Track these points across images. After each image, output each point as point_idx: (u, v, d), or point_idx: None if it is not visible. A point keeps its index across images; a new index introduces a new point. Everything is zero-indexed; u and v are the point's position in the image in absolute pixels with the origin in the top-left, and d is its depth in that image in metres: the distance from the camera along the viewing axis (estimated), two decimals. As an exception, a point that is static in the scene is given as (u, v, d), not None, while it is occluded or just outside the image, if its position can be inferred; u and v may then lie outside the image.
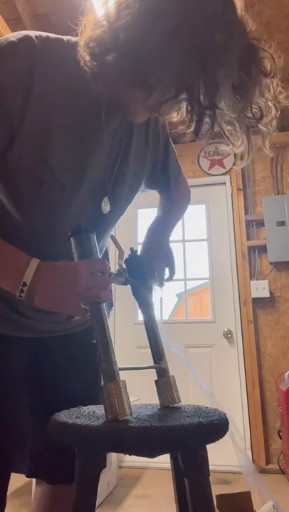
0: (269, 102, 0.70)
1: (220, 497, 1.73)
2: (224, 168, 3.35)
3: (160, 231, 1.04)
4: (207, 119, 0.66)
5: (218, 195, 3.39)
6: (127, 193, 0.91)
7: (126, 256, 0.85)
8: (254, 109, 0.69)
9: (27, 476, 0.90)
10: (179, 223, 3.99)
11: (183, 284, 3.29)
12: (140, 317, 3.18)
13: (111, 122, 0.79)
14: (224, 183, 3.38)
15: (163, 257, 0.99)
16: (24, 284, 0.66)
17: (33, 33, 0.72)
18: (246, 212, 3.24)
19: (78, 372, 0.93)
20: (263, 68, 0.67)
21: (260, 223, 3.18)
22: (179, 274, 3.38)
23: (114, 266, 0.80)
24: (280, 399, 2.62)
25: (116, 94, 0.75)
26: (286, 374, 2.71)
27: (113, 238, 0.84)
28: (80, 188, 0.79)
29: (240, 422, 2.88)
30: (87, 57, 0.70)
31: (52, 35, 0.75)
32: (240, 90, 0.66)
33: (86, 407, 0.80)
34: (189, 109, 0.67)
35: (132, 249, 0.87)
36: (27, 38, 0.70)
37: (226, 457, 2.72)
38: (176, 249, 3.81)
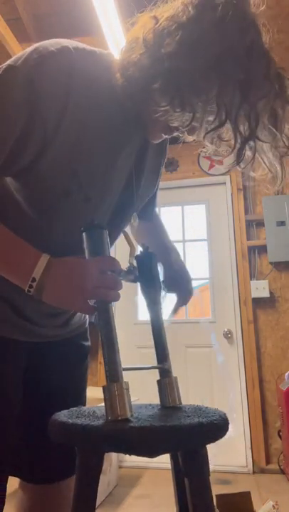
0: None
1: (220, 497, 1.74)
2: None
3: (176, 255, 1.10)
4: (248, 150, 0.68)
5: (218, 195, 3.39)
6: (139, 205, 0.95)
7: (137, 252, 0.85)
8: (284, 138, 0.70)
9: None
10: (179, 223, 3.99)
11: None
12: (140, 317, 3.18)
13: (134, 137, 0.82)
14: (224, 183, 3.38)
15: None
16: (33, 280, 0.66)
17: (71, 44, 0.72)
18: (246, 212, 3.24)
19: (69, 374, 0.94)
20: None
21: (260, 223, 3.18)
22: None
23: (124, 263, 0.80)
24: (280, 399, 2.62)
25: (142, 116, 0.77)
26: (286, 374, 2.71)
27: (125, 234, 0.84)
28: (105, 199, 0.80)
29: (240, 422, 2.88)
30: (121, 79, 0.73)
31: (87, 48, 0.75)
32: (276, 121, 0.67)
33: (86, 407, 0.80)
34: (227, 139, 0.69)
35: (144, 245, 0.86)
36: (66, 49, 0.70)
37: (226, 457, 2.72)
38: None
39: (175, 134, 0.79)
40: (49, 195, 0.75)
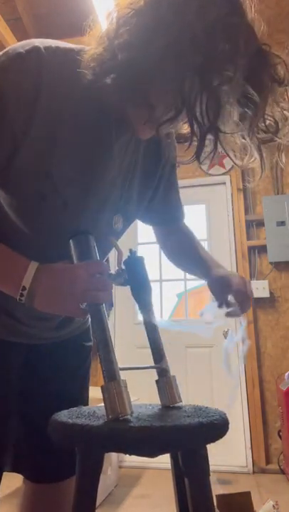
0: (285, 112, 0.64)
1: (220, 497, 1.73)
2: (224, 168, 3.35)
3: (215, 265, 0.97)
4: (208, 142, 0.61)
5: (218, 195, 3.39)
6: (135, 209, 0.90)
7: (125, 257, 0.85)
8: (268, 122, 0.63)
9: (8, 471, 0.91)
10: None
11: (183, 284, 3.29)
12: (140, 317, 3.18)
13: (120, 137, 0.76)
14: (224, 183, 3.38)
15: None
16: (24, 288, 0.66)
17: (42, 44, 0.69)
18: (246, 212, 3.24)
19: (70, 374, 0.94)
20: (276, 76, 0.61)
21: (260, 223, 3.18)
22: (179, 274, 3.39)
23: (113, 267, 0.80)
24: (280, 399, 2.62)
25: (121, 111, 0.72)
26: (286, 374, 2.71)
27: (112, 240, 0.84)
28: (85, 205, 0.77)
29: (240, 422, 2.88)
30: (90, 77, 0.67)
31: (62, 46, 0.72)
32: (250, 104, 0.60)
33: (86, 407, 0.80)
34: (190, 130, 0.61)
35: (131, 250, 0.87)
36: (35, 49, 0.68)
37: (226, 457, 2.72)
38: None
39: (155, 132, 0.70)
40: (26, 200, 0.74)
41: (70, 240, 0.71)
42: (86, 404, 0.97)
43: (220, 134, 0.60)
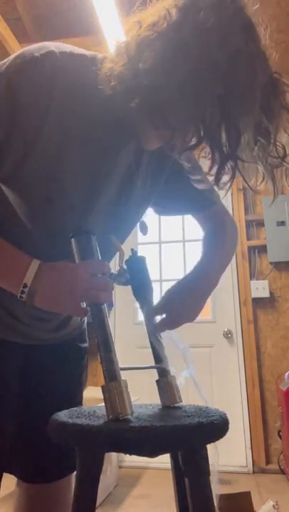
0: None
1: (220, 497, 1.74)
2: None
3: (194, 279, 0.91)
4: (228, 167, 0.62)
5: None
6: (138, 212, 0.90)
7: (126, 257, 0.85)
8: (277, 147, 0.64)
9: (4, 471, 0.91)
10: (179, 223, 3.94)
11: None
12: (140, 317, 3.18)
13: (126, 144, 0.77)
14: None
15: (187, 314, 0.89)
16: (25, 286, 0.66)
17: (57, 49, 0.69)
18: (246, 212, 3.24)
19: (65, 376, 0.94)
20: (285, 103, 0.63)
21: (260, 223, 3.18)
22: (178, 274, 3.39)
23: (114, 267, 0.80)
24: (280, 399, 2.62)
25: (131, 124, 0.72)
26: (286, 374, 2.71)
27: (113, 239, 0.84)
28: (92, 208, 0.78)
29: (240, 422, 2.88)
30: (108, 91, 0.67)
31: (76, 51, 0.72)
32: (264, 132, 0.62)
33: (86, 407, 0.80)
34: (210, 155, 0.62)
35: (132, 250, 0.87)
36: (51, 54, 0.68)
37: (226, 457, 2.72)
38: (176, 249, 3.78)
39: (174, 154, 0.72)
40: (33, 202, 0.74)
41: (72, 239, 0.72)
42: (80, 405, 0.97)
43: (239, 161, 0.62)
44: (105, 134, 0.74)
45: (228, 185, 0.65)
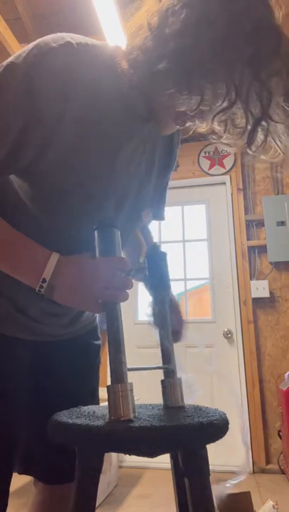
0: None
1: (220, 497, 1.73)
2: (224, 168, 3.35)
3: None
4: (260, 131, 0.64)
5: (218, 195, 3.39)
6: (146, 203, 0.91)
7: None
8: None
9: (18, 473, 0.91)
10: (179, 223, 3.94)
11: (183, 284, 3.29)
12: (140, 317, 3.18)
13: (141, 132, 0.79)
14: (224, 183, 3.38)
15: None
16: (44, 281, 0.66)
17: (73, 40, 0.70)
18: (246, 212, 3.24)
19: (79, 373, 0.94)
20: None
21: (260, 223, 3.18)
22: (179, 274, 3.40)
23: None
24: (280, 399, 2.62)
25: (150, 105, 0.73)
26: (286, 374, 2.71)
27: (137, 232, 0.83)
28: (108, 198, 0.78)
29: (241, 422, 2.87)
30: (126, 66, 0.69)
31: (90, 42, 0.73)
32: None
33: (86, 407, 0.80)
34: (238, 121, 0.65)
35: (154, 244, 0.85)
36: (68, 44, 0.68)
37: (226, 457, 2.72)
38: (176, 249, 3.80)
39: (188, 124, 0.74)
40: (49, 192, 0.74)
41: (95, 232, 0.70)
42: (97, 403, 0.96)
43: (271, 122, 0.63)
44: (120, 123, 0.74)
45: (260, 148, 0.66)
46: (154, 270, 0.83)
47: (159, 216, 1.00)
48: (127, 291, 0.69)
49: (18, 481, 0.94)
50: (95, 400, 0.96)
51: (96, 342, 1.00)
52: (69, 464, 0.87)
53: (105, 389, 0.65)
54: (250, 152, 0.67)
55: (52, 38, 0.69)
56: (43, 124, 0.67)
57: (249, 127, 0.63)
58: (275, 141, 0.66)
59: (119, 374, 0.64)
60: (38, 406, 0.88)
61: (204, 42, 0.61)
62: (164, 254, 0.84)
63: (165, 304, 0.83)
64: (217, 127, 0.70)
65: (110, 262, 0.68)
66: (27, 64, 0.66)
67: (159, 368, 0.79)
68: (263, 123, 0.62)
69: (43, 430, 0.87)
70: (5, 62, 0.68)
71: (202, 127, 0.73)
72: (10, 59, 0.68)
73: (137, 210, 0.88)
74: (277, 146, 0.67)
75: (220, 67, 0.61)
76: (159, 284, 0.83)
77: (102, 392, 0.65)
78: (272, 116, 0.62)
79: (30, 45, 0.69)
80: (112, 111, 0.73)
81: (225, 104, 0.62)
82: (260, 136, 0.64)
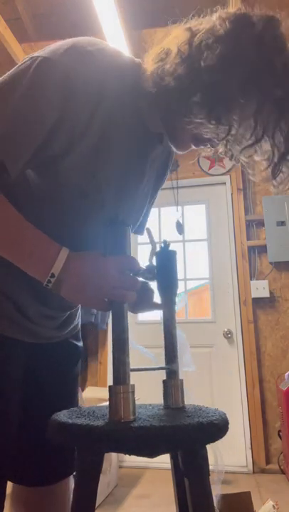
0: None
1: (220, 497, 1.73)
2: (224, 168, 3.35)
3: None
4: (284, 168, 0.68)
5: (218, 195, 3.39)
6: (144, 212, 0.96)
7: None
8: None
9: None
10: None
11: (183, 284, 3.29)
12: (141, 317, 3.18)
13: (153, 151, 0.83)
14: (224, 183, 3.38)
15: None
16: (52, 275, 0.66)
17: (106, 45, 0.74)
18: (246, 212, 3.24)
19: (65, 375, 0.94)
20: None
21: (260, 223, 3.18)
22: (179, 274, 3.38)
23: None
24: (280, 399, 2.62)
25: (169, 127, 0.77)
26: (286, 374, 2.71)
27: (148, 232, 0.84)
28: (119, 207, 0.80)
29: (240, 422, 2.88)
30: (152, 88, 0.72)
31: (119, 51, 0.77)
32: None
33: (86, 406, 0.80)
34: (265, 156, 0.69)
35: (164, 241, 0.85)
36: (103, 51, 0.72)
37: (226, 457, 2.72)
38: (176, 249, 3.81)
39: (203, 145, 0.78)
40: (65, 194, 0.75)
41: (109, 229, 0.71)
42: (77, 403, 0.96)
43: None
44: (138, 135, 0.77)
45: (286, 185, 0.72)
46: (163, 270, 0.82)
47: (139, 231, 1.02)
48: (135, 292, 0.69)
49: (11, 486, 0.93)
50: (75, 402, 0.96)
51: (79, 343, 1.00)
52: (51, 466, 0.87)
53: (106, 389, 0.65)
54: (274, 185, 0.72)
55: (88, 42, 0.72)
56: (74, 123, 0.68)
57: (275, 161, 0.67)
58: None
59: (121, 375, 0.64)
60: (24, 408, 0.87)
61: (237, 79, 0.65)
62: (174, 253, 0.84)
63: (172, 303, 0.83)
64: (243, 159, 0.74)
65: (120, 261, 0.68)
66: (65, 64, 0.67)
67: (161, 368, 0.79)
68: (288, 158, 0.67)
69: (27, 431, 0.87)
70: (38, 55, 0.69)
71: (219, 150, 0.78)
72: (42, 53, 0.69)
73: (135, 222, 0.91)
74: None
75: (250, 104, 0.65)
76: (166, 283, 0.83)
77: (103, 393, 0.65)
78: None
79: (65, 45, 0.70)
80: (132, 123, 0.75)
81: (253, 139, 0.67)
82: (285, 171, 0.69)
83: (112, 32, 2.35)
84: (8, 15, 2.57)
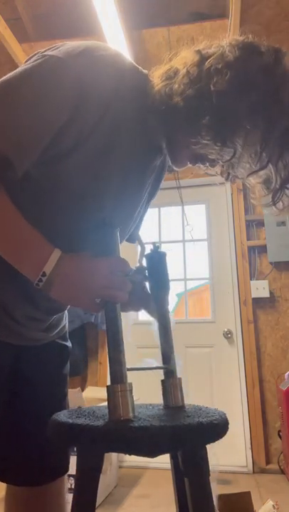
0: None
1: (220, 497, 1.74)
2: (233, 181, 3.35)
3: None
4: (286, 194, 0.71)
5: (218, 195, 3.39)
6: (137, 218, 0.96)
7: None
8: None
9: None
10: (179, 223, 3.95)
11: (183, 284, 3.29)
12: (140, 317, 3.18)
13: (154, 163, 0.85)
14: (224, 183, 3.37)
15: None
16: (44, 274, 0.66)
17: (121, 54, 0.76)
18: (246, 212, 3.23)
19: (54, 376, 0.94)
20: None
21: (260, 223, 3.17)
22: (179, 274, 3.39)
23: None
24: (280, 399, 2.62)
25: (171, 142, 0.78)
26: (286, 374, 2.71)
27: (138, 236, 0.85)
28: (117, 212, 0.80)
29: (240, 422, 2.88)
30: (160, 105, 0.74)
31: (129, 60, 0.78)
32: None
33: (86, 407, 0.80)
34: (267, 181, 0.72)
35: (154, 244, 0.86)
36: (115, 57, 0.73)
37: (226, 457, 2.72)
38: (176, 249, 3.79)
39: (200, 163, 0.81)
40: (64, 195, 0.75)
41: (98, 232, 0.71)
42: (67, 406, 0.95)
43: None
44: (140, 145, 0.78)
45: (286, 209, 0.74)
46: (154, 271, 0.83)
47: (132, 239, 1.02)
48: (126, 292, 0.69)
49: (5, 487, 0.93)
50: (63, 408, 0.95)
51: (67, 343, 1.00)
52: (43, 466, 0.87)
53: (105, 389, 0.65)
54: (277, 210, 0.74)
55: (102, 47, 0.73)
56: (82, 126, 0.69)
57: (277, 187, 0.70)
58: None
59: (118, 374, 0.64)
60: (14, 409, 0.88)
61: (245, 105, 0.66)
62: (164, 255, 0.85)
63: (165, 304, 0.83)
64: (247, 182, 0.78)
65: (110, 262, 0.69)
66: (78, 66, 0.68)
67: (158, 368, 0.79)
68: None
69: (18, 432, 0.87)
70: (51, 54, 0.69)
71: (213, 171, 0.82)
72: (56, 53, 0.70)
73: (128, 230, 0.91)
74: None
75: (256, 130, 0.66)
76: (159, 284, 0.84)
77: (103, 393, 0.65)
78: None
79: (79, 47, 0.71)
80: (137, 129, 0.76)
81: (258, 166, 0.69)
82: (285, 197, 0.71)
83: (112, 32, 2.35)
84: (8, 15, 2.57)
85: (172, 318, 0.84)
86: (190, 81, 0.70)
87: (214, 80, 0.68)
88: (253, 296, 3.04)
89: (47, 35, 2.70)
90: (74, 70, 0.67)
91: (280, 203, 0.72)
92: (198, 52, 0.73)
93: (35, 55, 0.72)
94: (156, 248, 0.85)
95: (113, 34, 2.37)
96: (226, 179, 0.82)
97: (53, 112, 0.67)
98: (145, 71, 0.81)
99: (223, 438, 0.64)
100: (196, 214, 3.43)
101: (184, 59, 0.74)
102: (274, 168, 0.68)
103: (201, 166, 0.81)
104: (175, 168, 0.84)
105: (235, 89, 0.66)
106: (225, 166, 0.79)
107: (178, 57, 0.76)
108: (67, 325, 1.02)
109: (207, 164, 0.80)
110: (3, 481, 0.91)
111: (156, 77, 0.77)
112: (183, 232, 3.40)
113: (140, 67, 0.81)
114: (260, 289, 3.04)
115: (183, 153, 0.79)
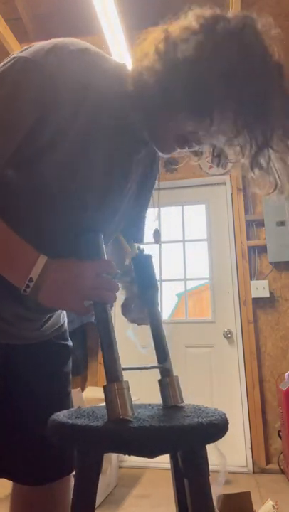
0: None
1: (220, 497, 1.73)
2: (224, 168, 3.35)
3: None
4: (261, 160, 0.69)
5: (218, 195, 3.39)
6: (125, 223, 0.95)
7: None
8: None
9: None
10: (179, 223, 3.95)
11: (183, 284, 3.29)
12: (140, 317, 3.18)
13: (137, 155, 0.83)
14: (224, 183, 3.37)
15: None
16: (31, 280, 0.67)
17: (90, 48, 0.74)
18: (246, 212, 3.23)
19: (52, 374, 0.93)
20: None
21: (260, 223, 3.17)
22: (179, 274, 3.39)
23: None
24: (280, 399, 2.62)
25: (152, 126, 0.76)
26: (286, 374, 2.71)
27: (120, 238, 0.85)
28: (102, 210, 0.80)
29: (240, 422, 2.88)
30: (132, 87, 0.73)
31: (101, 52, 0.77)
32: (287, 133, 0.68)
33: (85, 407, 0.80)
34: (242, 148, 0.70)
35: (138, 247, 0.87)
36: (86, 51, 0.73)
37: (226, 457, 2.72)
38: (176, 249, 3.79)
39: (187, 147, 0.77)
40: (47, 196, 0.74)
41: (81, 238, 0.72)
42: (71, 405, 0.95)
43: (271, 151, 0.69)
44: (124, 138, 0.77)
45: (263, 173, 0.71)
46: (142, 273, 0.84)
47: (138, 239, 1.01)
48: (114, 293, 0.70)
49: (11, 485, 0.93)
50: (65, 406, 0.94)
51: (67, 343, 1.00)
52: (48, 465, 0.87)
53: (99, 388, 0.65)
54: (252, 175, 0.72)
55: (71, 42, 0.72)
56: (57, 122, 0.69)
57: (253, 153, 0.68)
58: (276, 171, 0.71)
59: (114, 373, 0.64)
60: (13, 409, 0.87)
61: (216, 70, 0.64)
62: (150, 257, 0.87)
63: (156, 304, 0.84)
64: (228, 151, 0.75)
65: (96, 265, 0.70)
66: (47, 64, 0.68)
67: (154, 367, 0.79)
68: (265, 151, 0.68)
69: (18, 431, 0.87)
70: (19, 56, 0.69)
71: (204, 148, 0.79)
72: (24, 54, 0.69)
73: (117, 229, 0.90)
74: (278, 175, 0.72)
75: (230, 95, 0.65)
76: (147, 285, 0.85)
77: (102, 393, 0.65)
78: (273, 146, 0.68)
79: (47, 45, 0.71)
80: (113, 128, 0.75)
81: (234, 132, 0.67)
82: (262, 162, 0.70)
83: (112, 32, 2.35)
84: (8, 15, 2.57)
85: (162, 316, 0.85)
86: (159, 57, 0.69)
87: (181, 48, 0.67)
88: (253, 296, 3.04)
89: (47, 35, 2.69)
90: (42, 68, 0.67)
91: (257, 168, 0.71)
92: (166, 30, 0.71)
93: (9, 57, 0.72)
94: (141, 251, 0.87)
95: (113, 34, 2.37)
96: (218, 165, 0.80)
97: (22, 112, 0.67)
98: (123, 62, 0.80)
99: (223, 438, 0.64)
100: (196, 214, 3.43)
101: (153, 40, 0.72)
102: (250, 134, 0.67)
103: (189, 149, 0.78)
104: (163, 155, 0.82)
105: (203, 56, 0.65)
106: (209, 143, 0.76)
107: (147, 40, 0.75)
108: (66, 324, 1.02)
109: (195, 146, 0.77)
110: (8, 479, 0.91)
111: (132, 63, 0.76)
112: (183, 232, 3.40)
113: (116, 60, 0.80)
114: (260, 289, 3.04)
115: (165, 135, 0.76)
